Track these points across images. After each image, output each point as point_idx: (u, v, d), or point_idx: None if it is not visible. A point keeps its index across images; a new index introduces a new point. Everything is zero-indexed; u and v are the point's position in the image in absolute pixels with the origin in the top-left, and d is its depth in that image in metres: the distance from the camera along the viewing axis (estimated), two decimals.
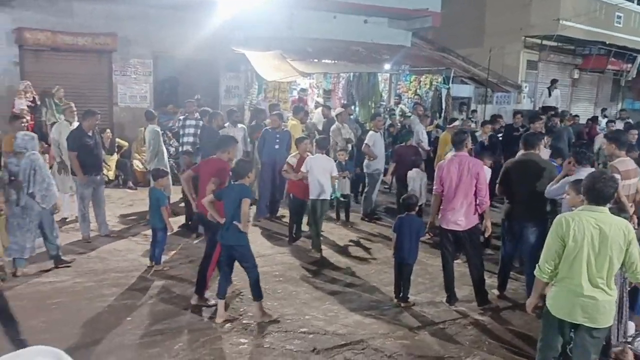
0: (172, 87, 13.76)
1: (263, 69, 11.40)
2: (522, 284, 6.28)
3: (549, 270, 3.65)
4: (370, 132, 9.27)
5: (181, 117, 9.42)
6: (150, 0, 11.44)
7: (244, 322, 5.25)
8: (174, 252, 7.15)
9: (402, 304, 5.79)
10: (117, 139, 11.09)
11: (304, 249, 7.57)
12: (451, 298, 5.87)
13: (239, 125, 9.33)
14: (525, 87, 18.93)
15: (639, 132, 9.54)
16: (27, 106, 10.05)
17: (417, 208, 6.04)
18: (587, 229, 3.50)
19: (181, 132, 9.24)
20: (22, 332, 4.32)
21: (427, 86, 14.17)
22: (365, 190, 9.36)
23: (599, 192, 3.56)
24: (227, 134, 7.53)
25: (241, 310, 5.51)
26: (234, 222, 5.06)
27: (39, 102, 10.36)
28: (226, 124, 8.91)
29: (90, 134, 7.43)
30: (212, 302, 5.47)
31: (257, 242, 7.66)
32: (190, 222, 8.19)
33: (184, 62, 12.16)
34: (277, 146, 8.57)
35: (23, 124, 7.83)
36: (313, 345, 4.84)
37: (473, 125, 12.66)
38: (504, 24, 18.07)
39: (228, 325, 5.16)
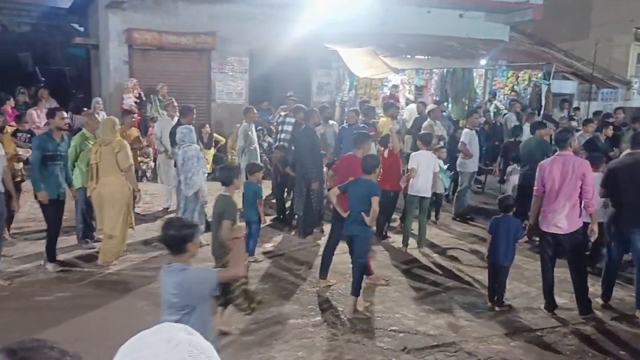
0: (266, 84, 14.14)
1: (355, 66, 11.43)
2: (629, 293, 5.86)
3: None
4: (466, 130, 9.02)
5: (282, 114, 9.63)
6: None
7: (335, 316, 5.31)
8: (267, 244, 7.36)
9: (497, 308, 5.58)
10: (214, 134, 11.58)
11: (393, 246, 7.52)
12: (550, 305, 5.59)
13: (330, 122, 9.42)
14: (635, 82, 17.57)
15: None
16: (134, 102, 10.74)
17: (514, 209, 5.78)
18: None
19: (280, 129, 9.43)
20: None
21: (526, 82, 13.53)
22: (458, 189, 9.12)
23: None
24: (364, 132, 7.55)
25: (332, 304, 5.57)
26: (362, 212, 5.15)
27: (144, 99, 11.03)
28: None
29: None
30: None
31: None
32: (282, 216, 8.43)
33: (278, 59, 12.46)
34: None
35: (133, 119, 8.36)
36: (403, 344, 4.79)
37: (575, 123, 11.95)
38: (613, 15, 16.88)
39: (319, 318, 5.24)
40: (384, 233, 7.77)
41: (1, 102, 11.45)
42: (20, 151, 6.96)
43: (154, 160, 9.62)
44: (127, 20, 11.73)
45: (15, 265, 6.25)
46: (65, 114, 6.46)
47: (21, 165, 6.93)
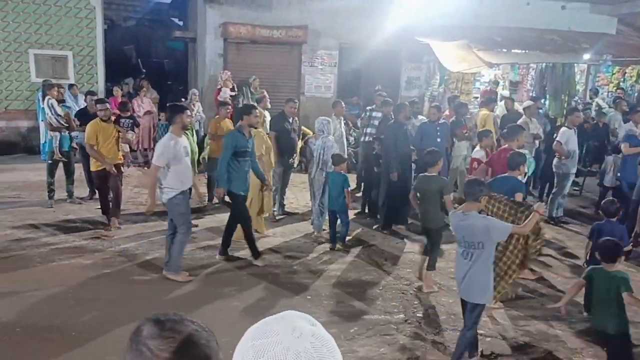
0: (355, 78, 14.13)
1: (447, 59, 11.13)
2: None
3: None
4: (564, 129, 8.51)
5: (368, 108, 9.58)
6: None
7: (418, 315, 5.23)
8: (350, 237, 7.37)
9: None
10: (302, 127, 11.74)
11: None
12: None
13: (419, 117, 9.25)
14: None
15: None
16: (229, 95, 11.11)
17: (620, 214, 5.37)
18: None
19: (367, 123, 9.40)
20: None
21: (634, 79, 12.58)
22: (553, 191, 8.65)
23: None
24: (517, 124, 7.47)
25: (415, 303, 5.49)
26: None
27: (237, 91, 11.38)
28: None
29: (290, 120, 8.00)
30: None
31: None
32: (366, 210, 8.43)
33: (368, 53, 12.38)
34: (438, 139, 8.28)
35: (228, 111, 8.68)
36: (490, 349, 4.64)
37: None
38: None
39: (402, 316, 5.18)
40: None
41: (109, 93, 12.27)
42: (127, 135, 7.57)
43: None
44: (224, 14, 12.13)
45: (116, 246, 6.69)
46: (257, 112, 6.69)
47: (127, 148, 7.55)
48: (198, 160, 8.79)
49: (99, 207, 7.59)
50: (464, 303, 4.31)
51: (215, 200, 8.55)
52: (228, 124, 8.82)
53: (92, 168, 7.33)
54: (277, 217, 8.09)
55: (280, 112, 8.24)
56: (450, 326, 5.02)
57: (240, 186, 6.12)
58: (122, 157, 7.60)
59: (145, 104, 11.49)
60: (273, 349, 1.05)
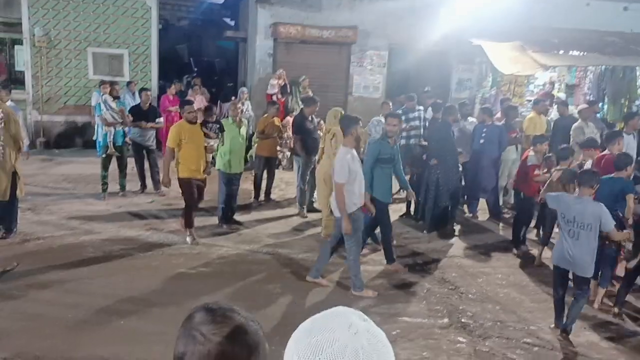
0: (404, 79, 13.96)
1: (499, 61, 10.86)
2: None
3: None
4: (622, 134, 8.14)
5: (399, 112, 9.44)
6: None
7: (463, 320, 5.11)
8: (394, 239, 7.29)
9: None
10: None
11: (529, 253, 7.05)
12: None
13: (470, 119, 9.05)
14: None
15: None
16: (277, 91, 11.21)
17: None
18: None
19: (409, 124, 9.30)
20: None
21: None
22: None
23: None
24: (616, 130, 7.47)
25: (460, 308, 5.37)
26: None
27: (288, 91, 11.44)
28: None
29: (310, 118, 8.05)
30: None
31: (482, 240, 7.41)
32: (407, 214, 8.35)
33: (418, 54, 12.22)
34: (482, 140, 8.13)
35: (277, 109, 8.80)
36: (538, 359, 4.48)
37: None
38: None
39: (446, 321, 5.08)
40: (521, 239, 7.27)
41: (163, 90, 12.59)
42: (211, 142, 7.12)
43: (290, 150, 9.98)
44: (274, 15, 12.25)
45: (164, 239, 6.85)
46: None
47: (210, 157, 7.19)
48: (246, 157, 8.88)
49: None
50: (562, 274, 4.89)
51: (262, 198, 8.65)
52: (277, 122, 8.91)
53: (181, 174, 6.55)
54: (306, 215, 8.10)
55: (300, 112, 8.27)
56: (496, 334, 4.88)
57: (383, 194, 6.07)
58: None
59: (197, 101, 11.72)
60: (331, 346, 1.04)
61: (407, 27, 12.20)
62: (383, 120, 7.04)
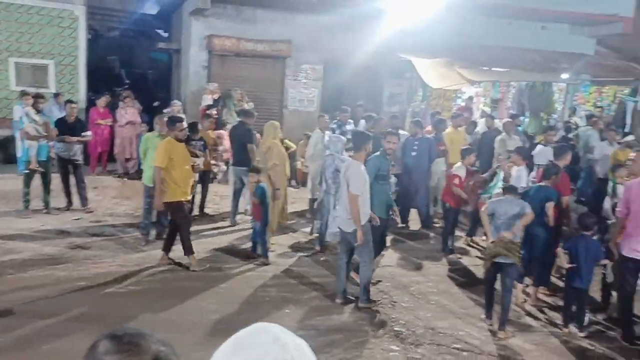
0: (338, 93, 14.19)
1: (429, 76, 11.27)
2: None
3: None
4: (539, 146, 8.65)
5: (333, 126, 9.62)
6: (323, 8, 11.94)
7: (396, 329, 5.21)
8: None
9: (581, 334, 5.25)
10: (285, 140, 11.75)
11: (459, 262, 7.31)
12: (629, 335, 5.23)
13: (401, 132, 9.29)
14: None
15: None
16: (209, 104, 11.10)
17: (595, 228, 5.43)
18: None
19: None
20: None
21: (610, 98, 12.83)
22: None
23: None
24: (565, 144, 7.77)
25: (393, 317, 5.48)
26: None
27: (221, 104, 11.36)
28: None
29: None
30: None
31: (414, 250, 7.60)
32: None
33: (351, 68, 12.48)
34: (414, 153, 8.43)
35: (211, 122, 8.70)
36: None
37: None
38: None
39: (380, 330, 5.17)
40: (450, 248, 7.55)
41: (92, 102, 12.16)
42: (197, 160, 6.88)
43: (227, 163, 9.89)
44: (209, 27, 12.16)
45: (91, 257, 6.59)
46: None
47: (197, 176, 6.93)
48: None
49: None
50: (496, 267, 5.33)
51: (196, 212, 8.50)
52: (212, 135, 8.80)
53: (172, 197, 6.21)
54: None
55: (241, 124, 8.30)
56: (428, 340, 5.01)
57: (380, 209, 6.04)
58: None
59: (129, 114, 11.41)
60: None
61: (340, 42, 12.44)
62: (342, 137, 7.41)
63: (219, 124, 10.56)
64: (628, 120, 12.40)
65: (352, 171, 5.47)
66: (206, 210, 8.77)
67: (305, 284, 6.18)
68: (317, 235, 7.49)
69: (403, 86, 13.47)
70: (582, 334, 5.23)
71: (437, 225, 8.83)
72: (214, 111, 10.67)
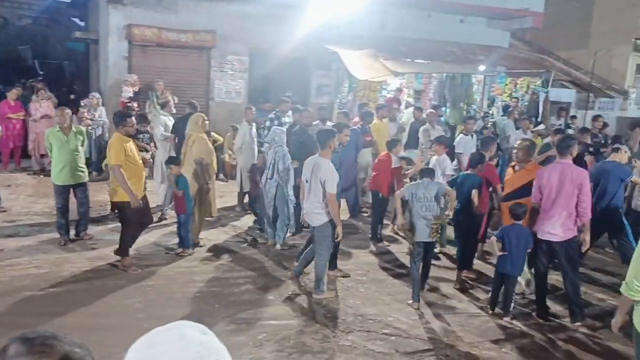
0: (266, 84, 14.12)
1: (354, 68, 11.43)
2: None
3: (638, 288, 3.38)
4: (460, 135, 9.02)
5: (272, 116, 9.54)
6: None
7: (327, 318, 5.29)
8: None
9: (507, 319, 5.49)
10: (212, 133, 11.55)
11: (386, 249, 7.52)
12: (542, 312, 5.59)
13: (328, 123, 9.38)
14: (633, 92, 17.62)
15: None
16: (130, 97, 10.72)
17: (525, 216, 5.62)
18: None
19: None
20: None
21: (524, 89, 13.55)
22: None
23: None
24: (490, 136, 8.03)
25: (324, 306, 5.56)
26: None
27: (141, 95, 11.00)
28: (315, 122, 8.99)
29: None
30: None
31: (343, 241, 7.71)
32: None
33: (278, 59, 12.45)
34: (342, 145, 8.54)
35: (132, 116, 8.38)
36: (395, 347, 4.79)
37: (571, 131, 11.96)
38: (613, 25, 16.94)
39: (311, 320, 5.23)
40: (378, 236, 7.74)
41: (2, 95, 11.38)
42: (147, 155, 6.63)
43: (152, 157, 9.61)
44: (128, 16, 11.70)
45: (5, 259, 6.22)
46: None
47: (147, 170, 6.65)
48: (101, 167, 8.37)
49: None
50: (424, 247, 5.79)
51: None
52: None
53: (117, 198, 6.03)
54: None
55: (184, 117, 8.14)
56: (358, 327, 5.13)
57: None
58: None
59: (43, 107, 10.80)
60: (161, 359, 1.03)
61: (266, 32, 12.35)
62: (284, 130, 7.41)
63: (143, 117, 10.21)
64: (540, 110, 13.16)
65: (324, 171, 5.54)
66: None
67: (235, 278, 6.14)
68: (259, 227, 7.48)
69: (330, 77, 13.57)
70: (507, 318, 5.51)
71: (365, 214, 9.02)
72: (135, 104, 10.32)
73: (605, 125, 11.36)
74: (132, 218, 6.09)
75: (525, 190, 5.77)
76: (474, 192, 6.07)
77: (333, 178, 5.54)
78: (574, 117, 14.15)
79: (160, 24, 11.82)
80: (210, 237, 7.52)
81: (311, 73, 13.48)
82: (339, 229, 5.64)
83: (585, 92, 14.60)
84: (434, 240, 5.83)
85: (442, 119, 11.30)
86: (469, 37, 13.94)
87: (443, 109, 12.35)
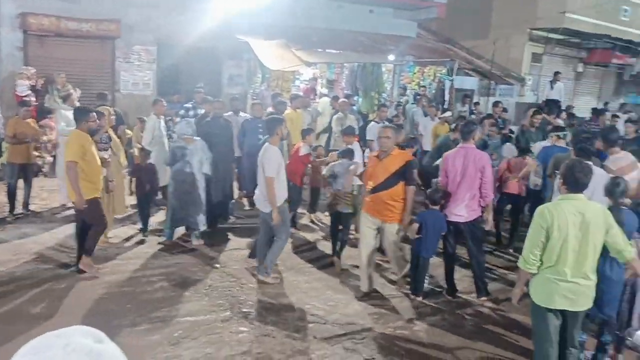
0: (175, 75, 13.69)
1: (267, 58, 11.35)
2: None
3: (534, 261, 3.66)
4: (372, 123, 9.24)
5: (188, 106, 9.26)
6: None
7: (244, 310, 5.27)
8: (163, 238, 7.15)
9: (419, 298, 5.71)
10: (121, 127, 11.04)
11: (303, 238, 7.59)
12: (451, 289, 5.88)
13: (242, 114, 9.28)
14: (529, 80, 18.84)
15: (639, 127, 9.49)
16: (29, 92, 10.04)
17: (442, 202, 5.83)
18: (570, 218, 3.54)
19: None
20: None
21: (431, 78, 14.11)
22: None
23: (576, 181, 3.61)
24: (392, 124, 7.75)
25: (242, 298, 5.53)
26: None
27: (40, 88, 10.33)
28: (228, 113, 8.86)
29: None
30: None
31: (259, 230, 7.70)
32: None
33: (188, 49, 12.12)
34: (260, 136, 8.47)
35: (29, 110, 7.88)
36: (313, 334, 4.86)
37: (474, 117, 12.61)
38: (510, 16, 17.98)
39: (228, 313, 5.18)
40: (294, 225, 7.78)
41: None
42: (105, 155, 6.29)
43: (53, 155, 9.07)
44: (22, 4, 10.90)
45: None
46: None
47: (104, 170, 6.28)
48: None
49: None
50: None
51: (20, 210, 7.70)
52: (31, 124, 7.97)
53: (87, 195, 5.69)
54: None
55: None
56: (276, 316, 5.15)
57: None
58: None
59: None
60: None
61: (174, 21, 11.98)
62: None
63: (43, 112, 9.64)
64: (446, 97, 13.75)
65: (267, 155, 5.74)
66: (31, 207, 7.96)
67: (148, 276, 5.95)
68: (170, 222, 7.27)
69: (242, 67, 13.40)
70: (419, 298, 5.74)
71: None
72: (32, 98, 9.68)
73: (504, 110, 12.04)
74: (96, 216, 5.86)
75: (394, 179, 5.47)
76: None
77: (271, 161, 5.69)
78: (477, 103, 14.94)
79: (60, 12, 11.13)
80: (120, 234, 7.23)
81: (222, 63, 13.25)
82: (275, 215, 5.74)
83: (487, 80, 15.41)
84: (347, 212, 6.46)
85: (354, 107, 11.52)
86: (378, 28, 14.26)
87: (355, 98, 12.59)
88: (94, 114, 6.06)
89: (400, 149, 6.45)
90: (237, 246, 7.14)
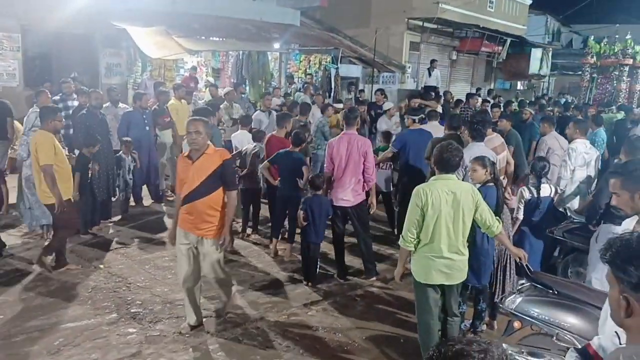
0: (46, 64, 12.66)
1: (146, 46, 10.84)
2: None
3: (412, 239, 3.89)
4: (257, 112, 9.22)
5: (56, 98, 8.58)
6: None
7: (132, 310, 5.05)
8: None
9: (309, 284, 5.82)
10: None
11: None
12: (342, 273, 6.05)
13: (121, 105, 8.81)
14: (409, 67, 19.75)
15: (503, 111, 10.36)
16: None
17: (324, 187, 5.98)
18: (442, 197, 3.81)
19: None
20: None
21: (317, 66, 14.33)
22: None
23: (447, 162, 3.88)
24: (286, 113, 7.93)
25: (129, 299, 5.29)
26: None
27: None
28: (106, 104, 8.37)
29: None
30: None
31: (148, 227, 7.41)
32: None
33: (59, 36, 11.21)
34: (147, 127, 8.22)
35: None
36: (206, 329, 4.77)
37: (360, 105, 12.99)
38: (389, 6, 18.68)
39: (114, 315, 4.94)
40: None
41: None
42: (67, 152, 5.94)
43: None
44: None
45: None
46: None
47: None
48: None
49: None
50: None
51: None
52: None
53: (51, 201, 5.55)
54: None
55: None
56: (166, 315, 4.99)
57: None
58: None
59: None
60: None
61: (41, 6, 10.98)
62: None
63: None
64: (332, 85, 14.06)
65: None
66: None
67: (23, 283, 5.49)
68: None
69: (121, 56, 12.66)
70: (311, 283, 5.84)
71: (170, 199, 8.73)
72: None
73: (385, 97, 12.49)
74: (69, 218, 5.78)
75: (212, 183, 4.40)
76: (305, 168, 6.32)
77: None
78: (362, 91, 15.41)
79: None
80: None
81: (99, 51, 12.43)
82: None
83: (370, 68, 15.93)
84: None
85: (244, 96, 11.38)
86: (262, 15, 14.16)
87: (244, 86, 12.45)
88: (61, 113, 6.05)
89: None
90: (123, 243, 6.81)
